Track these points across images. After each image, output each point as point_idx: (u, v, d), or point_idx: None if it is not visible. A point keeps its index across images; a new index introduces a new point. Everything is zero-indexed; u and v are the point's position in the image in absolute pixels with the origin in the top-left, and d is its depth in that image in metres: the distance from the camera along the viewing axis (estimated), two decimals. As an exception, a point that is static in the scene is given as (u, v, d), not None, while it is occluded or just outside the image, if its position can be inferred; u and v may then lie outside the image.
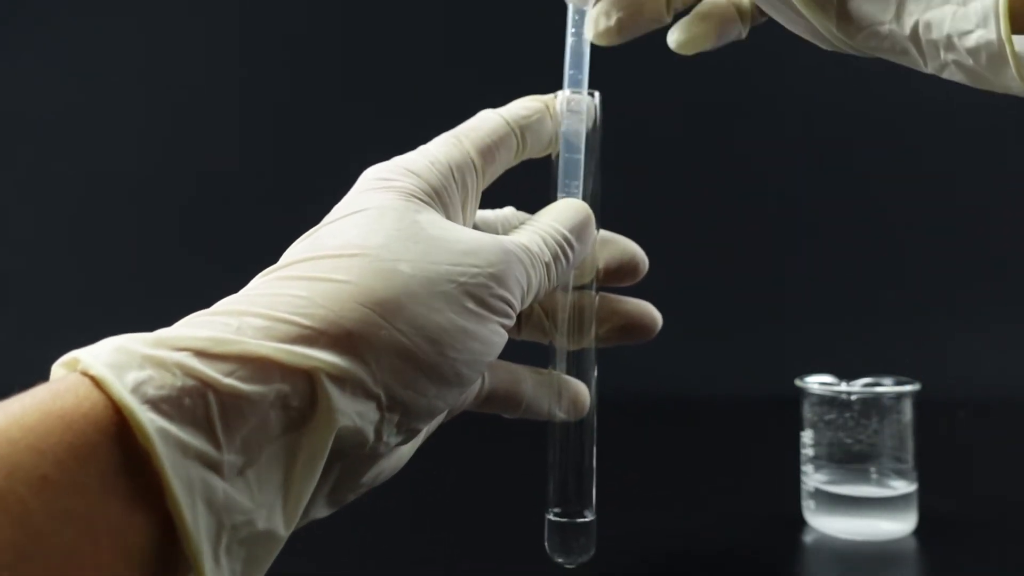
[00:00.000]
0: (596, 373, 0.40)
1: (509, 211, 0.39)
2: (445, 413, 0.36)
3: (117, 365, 0.25)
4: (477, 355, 0.31)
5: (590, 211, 0.37)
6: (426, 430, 0.36)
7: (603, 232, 0.40)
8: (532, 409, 0.39)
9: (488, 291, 0.31)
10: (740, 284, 1.07)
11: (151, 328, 0.28)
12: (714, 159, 1.10)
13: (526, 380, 0.38)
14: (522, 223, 0.36)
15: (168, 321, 0.29)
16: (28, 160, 1.16)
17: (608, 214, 0.40)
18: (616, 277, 0.41)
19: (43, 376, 0.27)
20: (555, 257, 0.34)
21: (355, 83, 1.13)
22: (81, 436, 0.24)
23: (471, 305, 0.30)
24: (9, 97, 1.15)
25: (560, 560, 0.39)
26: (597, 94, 0.40)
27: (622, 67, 1.08)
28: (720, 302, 1.07)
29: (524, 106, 0.37)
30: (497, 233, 0.38)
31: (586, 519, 0.39)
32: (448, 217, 0.33)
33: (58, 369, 0.27)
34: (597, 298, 0.40)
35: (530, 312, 0.40)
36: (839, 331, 1.03)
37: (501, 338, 0.32)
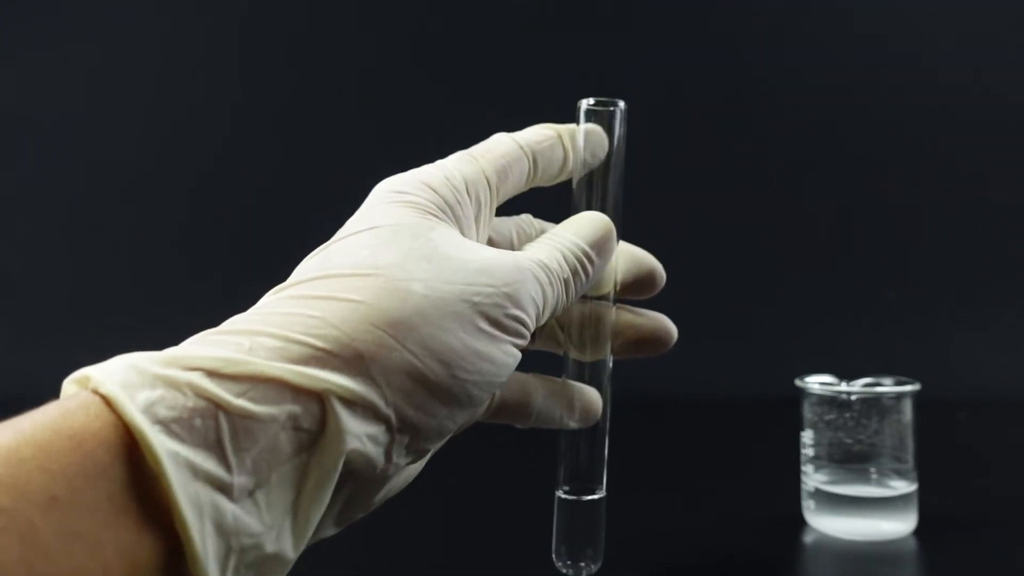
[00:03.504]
0: (610, 386, 0.39)
1: (525, 217, 0.39)
2: None
3: (129, 384, 0.25)
4: (489, 377, 0.30)
5: (612, 225, 0.36)
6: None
7: (621, 244, 0.39)
8: (543, 418, 0.38)
9: (502, 311, 0.30)
10: (740, 284, 1.07)
11: (150, 335, 0.28)
12: (715, 158, 1.10)
13: (537, 390, 0.38)
14: (541, 232, 0.36)
15: (167, 328, 0.29)
16: (28, 162, 1.16)
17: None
18: (632, 290, 0.40)
19: (40, 380, 0.26)
20: (574, 273, 0.34)
21: (364, 95, 1.13)
22: (90, 456, 0.24)
23: (484, 325, 0.30)
24: (9, 98, 1.15)
25: (568, 569, 0.39)
26: (622, 103, 0.39)
27: (622, 68, 1.08)
28: (720, 302, 1.07)
29: (537, 132, 0.37)
30: (511, 239, 0.37)
31: (595, 496, 0.39)
32: (462, 232, 0.33)
33: (69, 386, 0.27)
34: (614, 311, 0.39)
35: (545, 323, 0.39)
36: (839, 331, 1.03)
37: (514, 359, 0.32)
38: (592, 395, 0.39)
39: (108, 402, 0.25)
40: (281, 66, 1.15)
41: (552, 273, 0.33)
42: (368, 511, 0.32)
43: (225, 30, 1.15)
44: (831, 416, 0.59)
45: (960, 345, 1.02)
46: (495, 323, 0.30)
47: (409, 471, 0.35)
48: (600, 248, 0.35)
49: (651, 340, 0.40)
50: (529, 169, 0.36)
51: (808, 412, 0.61)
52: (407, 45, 1.12)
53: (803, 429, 0.61)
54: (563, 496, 0.39)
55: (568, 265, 0.34)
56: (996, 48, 1.08)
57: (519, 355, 0.32)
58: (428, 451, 0.31)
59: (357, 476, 0.29)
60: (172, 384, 0.25)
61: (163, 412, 0.25)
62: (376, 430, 0.28)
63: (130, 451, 0.24)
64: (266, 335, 0.27)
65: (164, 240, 1.13)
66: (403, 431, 0.29)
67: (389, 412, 0.28)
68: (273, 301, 0.30)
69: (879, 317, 1.05)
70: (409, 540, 0.61)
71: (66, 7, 1.14)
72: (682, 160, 1.09)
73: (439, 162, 0.35)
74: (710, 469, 0.77)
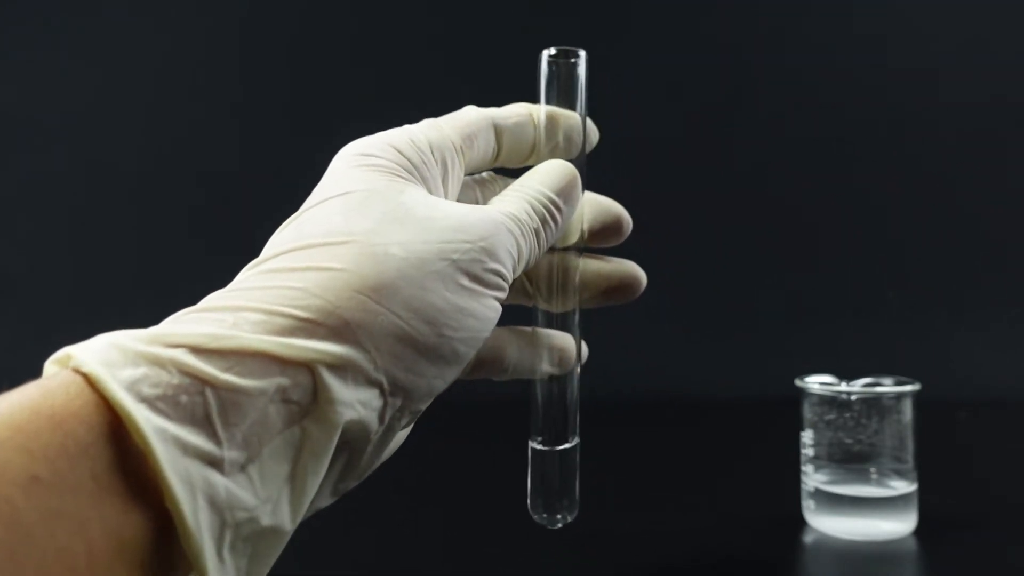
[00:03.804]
0: (580, 335, 0.39)
1: (488, 175, 0.39)
2: None
3: (111, 362, 0.25)
4: (474, 332, 0.31)
5: (576, 172, 0.36)
6: None
7: (586, 193, 0.39)
8: (519, 370, 0.38)
9: (481, 265, 0.30)
10: (740, 284, 1.07)
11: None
12: (715, 158, 1.10)
13: (511, 343, 0.38)
14: (507, 187, 0.36)
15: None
16: (28, 162, 1.16)
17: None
18: (600, 238, 0.39)
19: (39, 376, 0.26)
20: (543, 222, 0.34)
21: (364, 95, 1.13)
22: (72, 436, 0.23)
23: (465, 281, 0.30)
24: (9, 98, 1.15)
25: (544, 521, 0.38)
26: (583, 54, 0.38)
27: (626, 64, 1.09)
28: (720, 302, 1.07)
29: (509, 108, 0.37)
30: (476, 198, 0.37)
31: (567, 445, 0.38)
32: (430, 192, 0.33)
33: (51, 366, 0.26)
34: (581, 260, 0.39)
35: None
36: (839, 331, 1.03)
37: (496, 312, 0.32)
38: (566, 339, 0.38)
39: (90, 381, 0.24)
40: (281, 66, 1.15)
41: (523, 224, 0.33)
42: (361, 479, 0.32)
43: (225, 30, 1.15)
44: (831, 416, 0.60)
45: (960, 345, 1.02)
46: (475, 278, 0.30)
47: (398, 436, 0.35)
48: (567, 195, 0.35)
49: (620, 287, 0.39)
50: (496, 142, 0.36)
51: (808, 412, 0.61)
52: (408, 46, 1.12)
53: (803, 429, 0.61)
54: (536, 447, 0.39)
55: (537, 214, 0.34)
56: (996, 48, 1.08)
57: (500, 308, 0.32)
58: (419, 412, 0.31)
59: (353, 443, 0.29)
60: (156, 362, 0.25)
61: (147, 390, 0.24)
62: (368, 395, 0.28)
63: (113, 430, 0.24)
64: (249, 309, 0.27)
65: (164, 240, 1.13)
66: (395, 394, 0.29)
67: (380, 376, 0.28)
68: (251, 276, 0.29)
69: (879, 317, 1.05)
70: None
71: (66, 7, 1.15)
72: (682, 160, 1.09)
73: (404, 126, 0.35)
74: (710, 469, 0.77)
